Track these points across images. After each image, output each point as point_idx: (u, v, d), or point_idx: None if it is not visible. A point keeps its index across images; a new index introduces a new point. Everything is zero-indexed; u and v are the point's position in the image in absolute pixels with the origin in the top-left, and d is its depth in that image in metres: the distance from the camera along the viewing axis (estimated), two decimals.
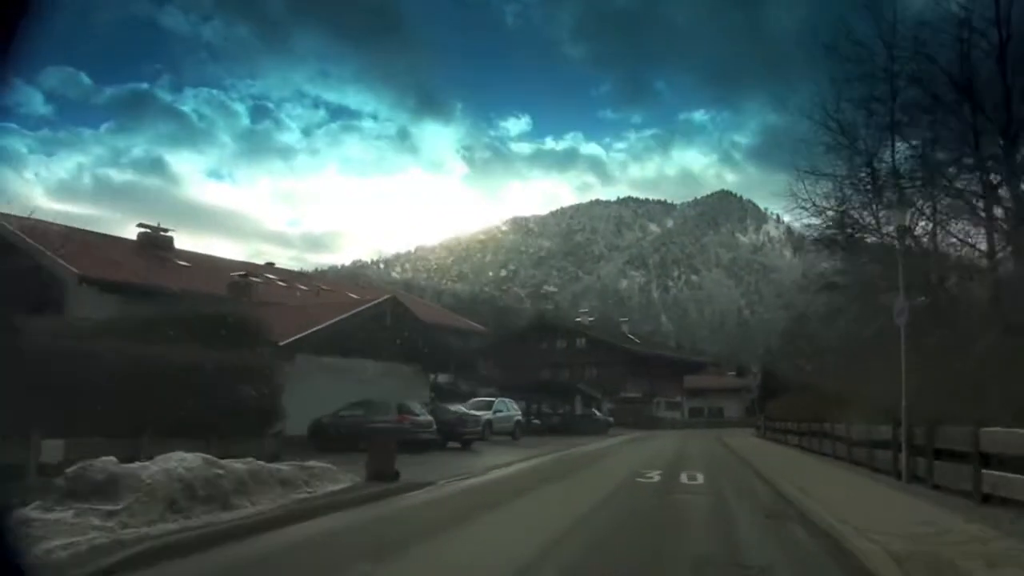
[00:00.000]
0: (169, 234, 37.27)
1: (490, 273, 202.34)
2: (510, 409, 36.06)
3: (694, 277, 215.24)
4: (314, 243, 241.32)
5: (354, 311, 29.41)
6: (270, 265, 49.72)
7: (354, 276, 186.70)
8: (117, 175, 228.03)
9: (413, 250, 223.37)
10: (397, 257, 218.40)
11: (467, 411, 29.48)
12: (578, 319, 76.93)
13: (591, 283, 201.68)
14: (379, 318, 30.15)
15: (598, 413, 57.36)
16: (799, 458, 25.30)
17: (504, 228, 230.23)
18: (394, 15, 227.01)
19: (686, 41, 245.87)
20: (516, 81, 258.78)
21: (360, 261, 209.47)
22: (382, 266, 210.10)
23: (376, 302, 31.56)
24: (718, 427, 73.72)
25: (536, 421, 49.54)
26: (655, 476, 17.96)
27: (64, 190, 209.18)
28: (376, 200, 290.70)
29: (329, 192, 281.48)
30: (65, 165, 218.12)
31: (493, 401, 35.65)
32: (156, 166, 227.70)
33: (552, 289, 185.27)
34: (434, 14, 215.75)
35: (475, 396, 37.44)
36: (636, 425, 62.14)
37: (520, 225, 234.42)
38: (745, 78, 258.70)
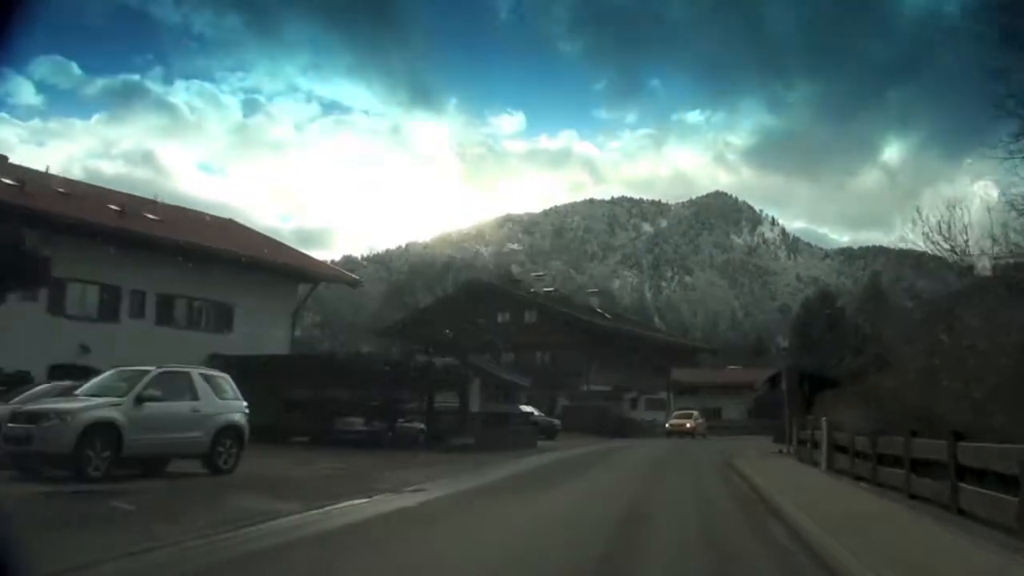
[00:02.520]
0: None
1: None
2: (206, 397, 13.18)
3: (688, 278, 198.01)
4: (307, 238, 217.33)
5: None
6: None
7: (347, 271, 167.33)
8: (108, 167, 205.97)
9: (405, 246, 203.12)
10: (388, 253, 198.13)
11: None
12: (532, 289, 53.55)
13: (583, 282, 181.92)
14: None
15: (536, 412, 34.77)
16: None
17: (497, 225, 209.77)
18: (387, 6, 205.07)
19: (681, 39, 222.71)
20: (510, 78, 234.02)
21: (351, 256, 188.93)
22: (390, 251, 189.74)
23: None
24: (715, 433, 50.80)
25: (419, 426, 27.07)
26: None
27: None
28: (368, 196, 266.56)
29: (321, 187, 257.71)
30: (56, 156, 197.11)
31: (146, 373, 12.85)
32: (147, 158, 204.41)
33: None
34: (428, 6, 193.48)
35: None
36: (599, 431, 39.54)
37: (514, 222, 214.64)
38: (741, 78, 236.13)
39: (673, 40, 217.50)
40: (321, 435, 25.75)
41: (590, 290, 66.33)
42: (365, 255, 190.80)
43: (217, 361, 27.21)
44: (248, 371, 27.53)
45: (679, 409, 49.24)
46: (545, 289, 52.98)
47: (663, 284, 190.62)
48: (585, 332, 45.45)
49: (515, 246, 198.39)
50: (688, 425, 44.13)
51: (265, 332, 28.11)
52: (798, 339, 31.09)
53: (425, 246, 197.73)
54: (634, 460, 22.90)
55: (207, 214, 33.41)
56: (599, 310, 54.12)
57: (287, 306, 29.64)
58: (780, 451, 26.59)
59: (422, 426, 26.74)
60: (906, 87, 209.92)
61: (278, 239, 31.18)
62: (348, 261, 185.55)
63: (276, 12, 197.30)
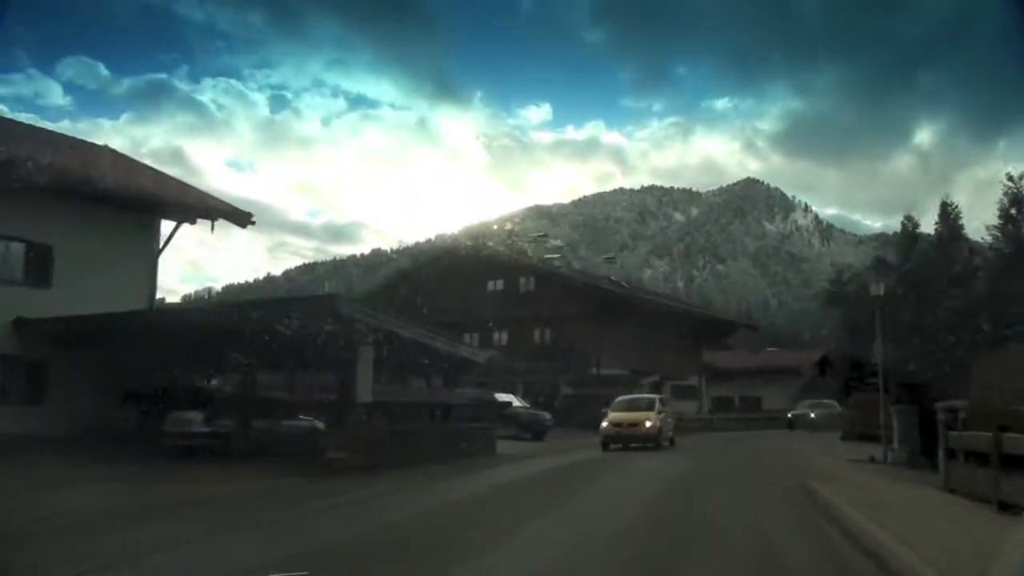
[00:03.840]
0: None
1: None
2: None
3: (720, 266, 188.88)
4: (336, 234, 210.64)
5: None
6: None
7: (376, 267, 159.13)
8: None
9: (433, 238, 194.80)
10: (418, 245, 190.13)
11: None
12: (542, 257, 42.61)
13: (613, 271, 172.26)
14: None
15: (517, 403, 24.80)
16: None
17: (526, 217, 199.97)
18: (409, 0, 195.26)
19: (706, 25, 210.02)
20: (535, 69, 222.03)
21: (380, 250, 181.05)
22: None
23: None
24: (753, 427, 39.93)
25: (310, 425, 17.32)
26: None
27: None
28: (396, 189, 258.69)
29: (349, 182, 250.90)
30: None
31: None
32: (176, 156, 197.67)
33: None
34: None
35: None
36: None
37: (542, 213, 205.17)
38: (768, 63, 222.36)
39: (698, 26, 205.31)
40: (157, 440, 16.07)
41: (606, 256, 55.24)
42: (394, 248, 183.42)
43: (26, 327, 17.89)
44: (79, 341, 18.12)
45: (629, 395, 25.70)
46: (548, 256, 42.54)
47: (695, 273, 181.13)
48: (595, 303, 35.18)
49: (554, 242, 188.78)
50: (648, 424, 22.22)
51: (109, 285, 18.44)
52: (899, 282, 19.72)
53: (453, 238, 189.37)
54: (626, 493, 12.72)
55: (75, 138, 23.76)
56: (614, 279, 43.60)
57: (143, 251, 19.97)
58: (871, 459, 16.20)
59: (319, 424, 16.87)
60: (937, 69, 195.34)
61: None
62: (377, 254, 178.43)
63: (299, 8, 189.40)
